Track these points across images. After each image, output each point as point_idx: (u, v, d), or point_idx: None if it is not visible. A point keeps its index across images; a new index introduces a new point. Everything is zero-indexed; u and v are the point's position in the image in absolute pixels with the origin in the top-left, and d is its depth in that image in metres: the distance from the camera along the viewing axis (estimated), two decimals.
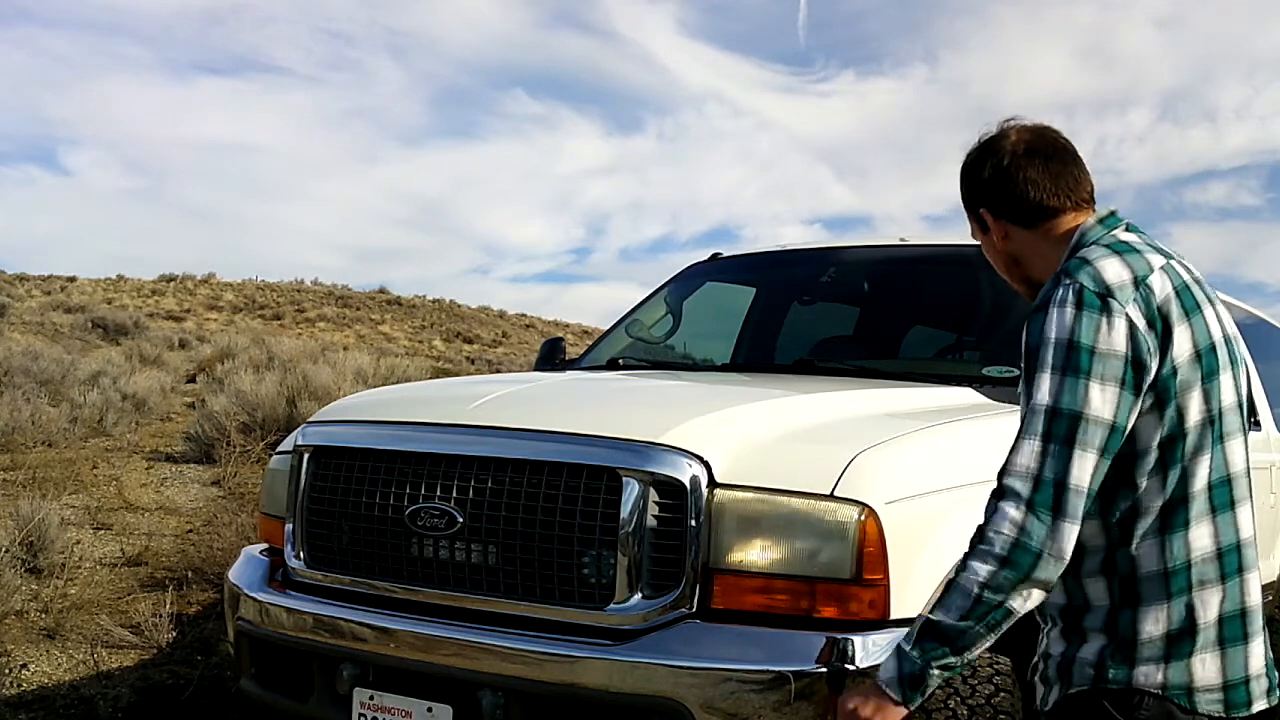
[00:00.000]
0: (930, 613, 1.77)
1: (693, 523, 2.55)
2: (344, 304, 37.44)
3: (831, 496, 2.51)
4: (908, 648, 1.78)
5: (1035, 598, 1.73)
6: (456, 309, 40.81)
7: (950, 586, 1.74)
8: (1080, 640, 1.84)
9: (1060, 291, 1.77)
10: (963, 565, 1.74)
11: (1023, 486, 1.71)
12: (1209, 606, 1.79)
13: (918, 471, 2.65)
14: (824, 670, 2.41)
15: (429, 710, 2.75)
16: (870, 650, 2.46)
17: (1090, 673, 1.82)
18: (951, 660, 1.75)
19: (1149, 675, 1.78)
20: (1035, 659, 1.97)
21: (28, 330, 21.53)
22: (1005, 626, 1.74)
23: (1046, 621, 1.93)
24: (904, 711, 1.79)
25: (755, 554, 2.55)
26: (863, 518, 2.48)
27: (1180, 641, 1.79)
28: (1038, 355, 1.75)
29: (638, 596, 2.57)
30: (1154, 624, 1.78)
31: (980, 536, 1.73)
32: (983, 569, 1.71)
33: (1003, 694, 2.53)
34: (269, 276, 41.67)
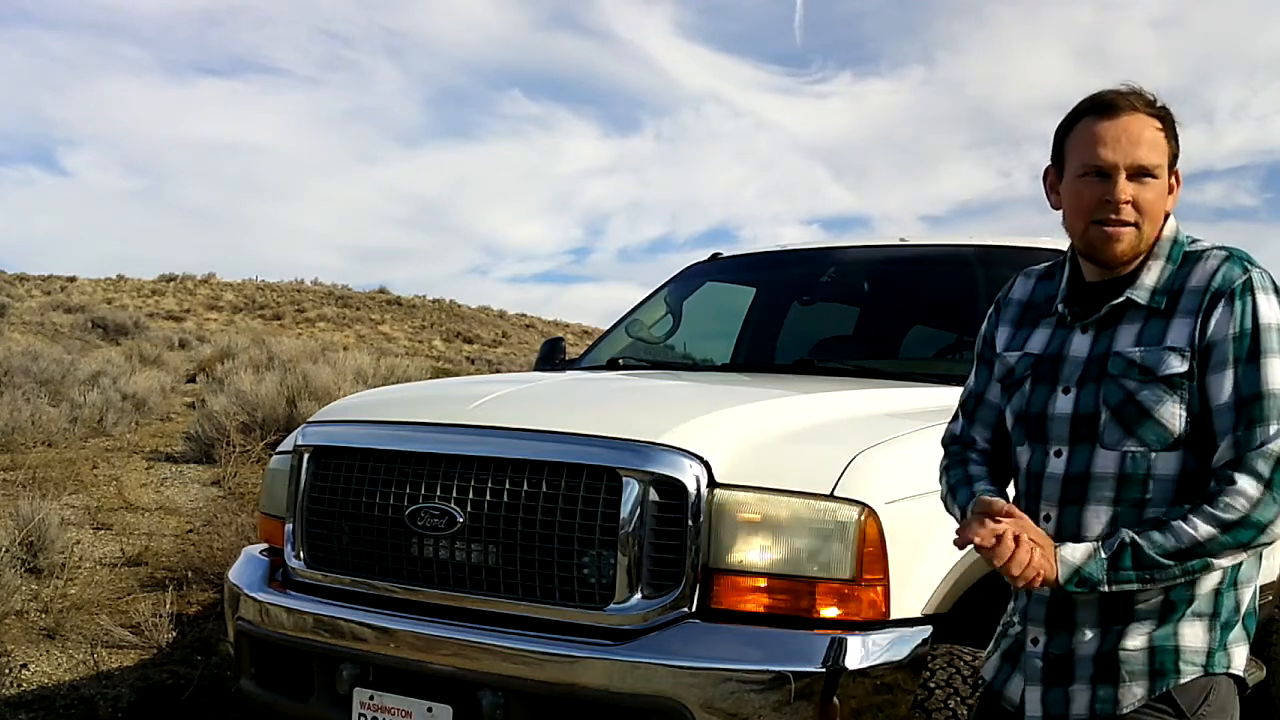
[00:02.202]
0: (1135, 539, 1.77)
1: (692, 523, 2.55)
2: (344, 304, 37.44)
3: (831, 496, 2.51)
4: (1104, 554, 1.78)
5: (1239, 559, 1.81)
6: (456, 309, 40.81)
7: (1164, 527, 1.77)
8: (1172, 628, 1.86)
9: (1258, 277, 1.83)
10: (1185, 517, 1.77)
11: (1265, 467, 1.76)
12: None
13: (918, 471, 2.64)
14: (825, 670, 2.41)
15: (429, 710, 2.75)
16: (870, 650, 2.46)
17: (1202, 661, 1.85)
18: (1134, 587, 1.79)
19: (1237, 659, 1.89)
20: (1087, 663, 1.89)
21: (28, 330, 21.53)
22: (1197, 575, 1.81)
23: (1108, 614, 1.88)
24: (1054, 579, 1.78)
25: (755, 554, 2.55)
26: (862, 518, 2.49)
27: (1246, 626, 1.92)
28: (1260, 339, 1.79)
29: (638, 596, 2.57)
30: (1241, 610, 1.90)
31: (1212, 499, 1.77)
32: (1204, 529, 1.75)
33: None
34: (269, 276, 41.72)
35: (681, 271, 4.87)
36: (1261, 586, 4.81)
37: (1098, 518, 1.86)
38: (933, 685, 2.55)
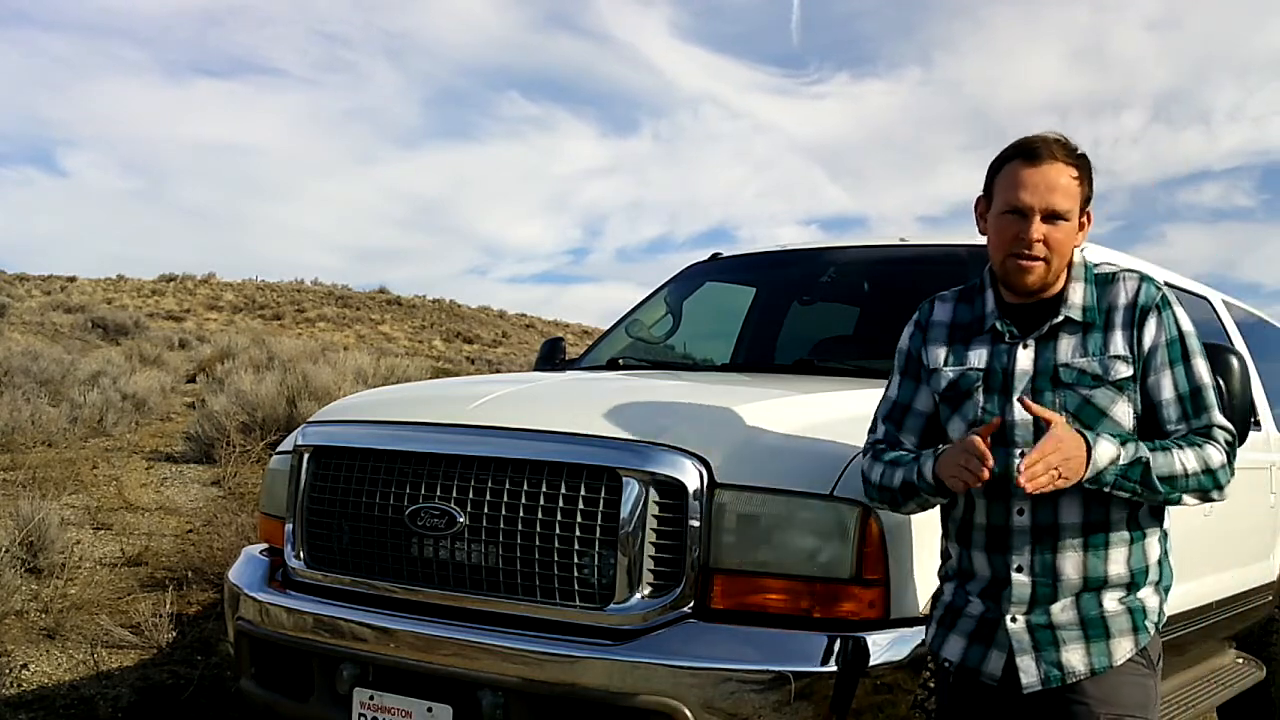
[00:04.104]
0: (1150, 458, 2.04)
1: (693, 523, 2.55)
2: (344, 304, 37.44)
3: (831, 496, 2.51)
4: (1123, 462, 2.03)
5: (1189, 501, 2.12)
6: (456, 309, 40.81)
7: (1167, 452, 2.07)
8: (1136, 593, 2.17)
9: (1169, 294, 2.19)
10: (1180, 448, 2.08)
11: (1223, 440, 2.13)
12: None
13: None
14: (825, 670, 2.41)
15: (429, 710, 2.75)
16: (870, 650, 2.46)
17: (1155, 619, 2.18)
18: (1123, 495, 2.07)
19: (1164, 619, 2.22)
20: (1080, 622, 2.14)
21: (28, 330, 21.53)
22: (1162, 501, 2.12)
23: (1091, 580, 2.14)
24: (1080, 475, 2.00)
25: (755, 554, 2.55)
26: (863, 518, 2.49)
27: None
28: (1187, 344, 2.16)
29: (638, 596, 2.57)
30: (1170, 580, 2.25)
31: (1199, 445, 2.10)
32: (1192, 464, 2.07)
33: None
34: (269, 276, 41.71)
35: (681, 271, 4.87)
36: (1261, 587, 4.82)
37: (1071, 508, 2.12)
38: (933, 685, 2.54)
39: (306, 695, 3.06)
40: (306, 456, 3.13)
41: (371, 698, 2.83)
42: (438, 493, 2.79)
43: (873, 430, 2.37)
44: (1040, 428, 2.04)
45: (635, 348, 4.44)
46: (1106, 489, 2.04)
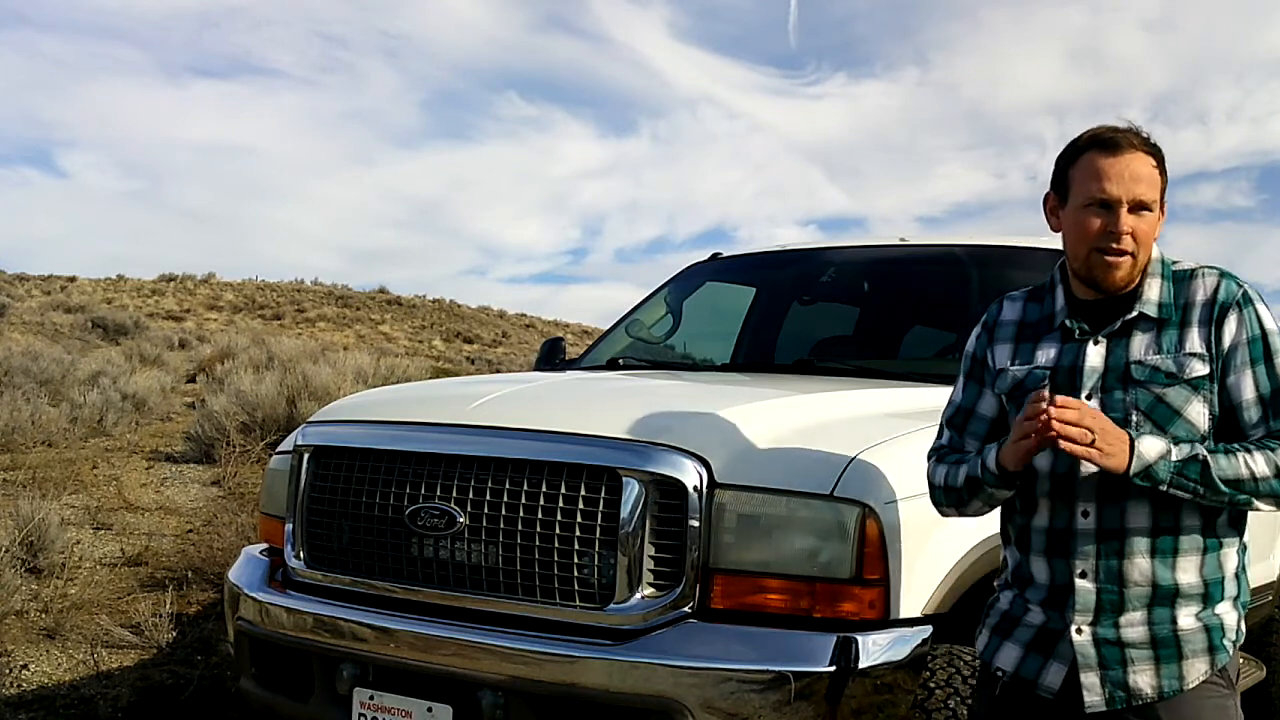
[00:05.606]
0: (1208, 457, 1.95)
1: (693, 523, 2.55)
2: (344, 304, 37.44)
3: (831, 497, 2.51)
4: (1175, 459, 1.94)
5: (1263, 507, 2.01)
6: (456, 309, 40.81)
7: (1230, 453, 1.97)
8: (1213, 608, 2.05)
9: (1251, 290, 2.08)
10: (1248, 452, 1.97)
11: None
12: None
13: (918, 472, 2.64)
14: (825, 670, 2.41)
15: (429, 710, 2.75)
16: (870, 650, 2.46)
17: (1234, 637, 2.06)
18: (1184, 495, 1.96)
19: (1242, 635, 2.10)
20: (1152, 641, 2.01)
21: (28, 330, 21.53)
22: (1229, 504, 2.00)
23: (1165, 596, 2.02)
24: (1124, 462, 1.92)
25: (755, 554, 2.55)
26: (863, 518, 2.49)
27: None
28: (1269, 343, 2.04)
29: (638, 596, 2.57)
30: (1246, 594, 2.13)
31: (1272, 450, 1.98)
32: (1262, 468, 1.97)
33: None
34: (269, 276, 41.71)
35: (681, 271, 4.88)
36: (1261, 587, 4.82)
37: (1139, 511, 2.00)
38: (933, 685, 2.55)
39: (306, 695, 3.06)
40: (306, 456, 3.13)
41: (371, 698, 2.83)
42: (438, 493, 2.79)
43: (938, 436, 2.30)
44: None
45: (635, 348, 4.44)
46: (1164, 487, 1.94)
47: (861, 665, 2.45)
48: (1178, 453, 1.94)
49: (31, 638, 4.99)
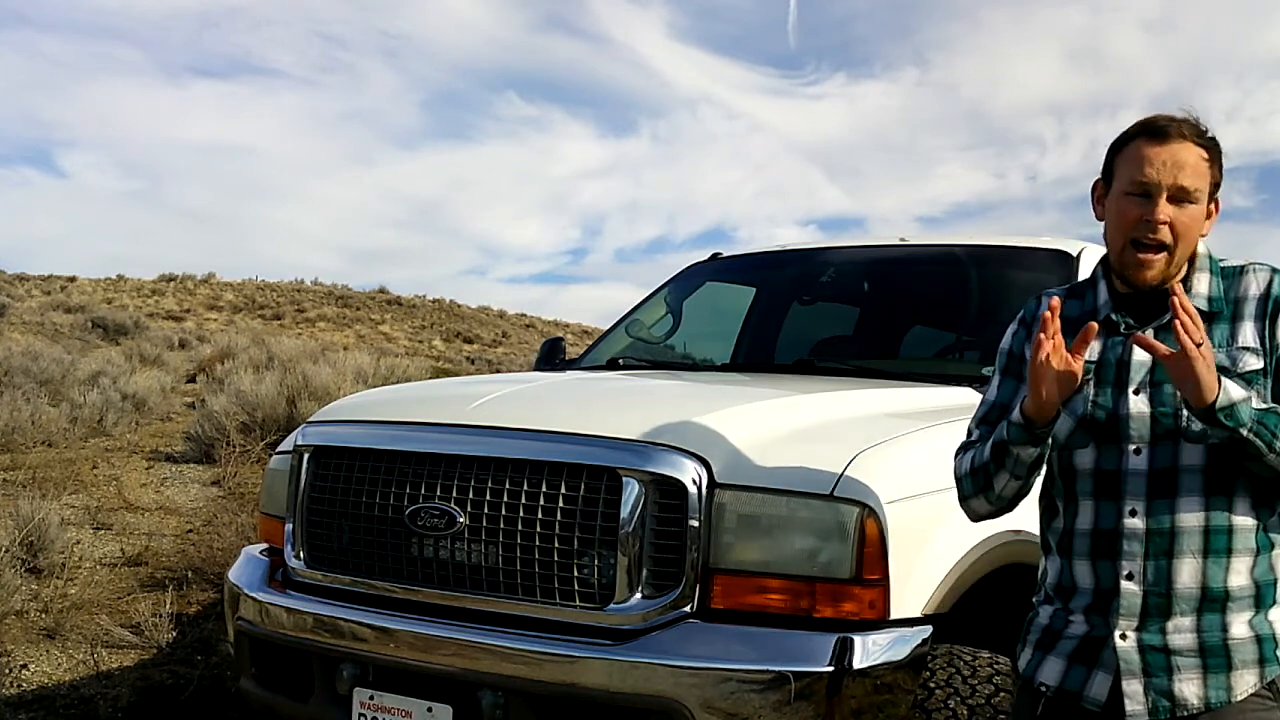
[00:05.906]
0: None
1: (693, 523, 2.55)
2: (344, 304, 37.44)
3: (831, 497, 2.51)
4: (1257, 405, 1.86)
5: None
6: (456, 309, 40.80)
7: None
8: (1265, 614, 1.95)
9: None
10: None
11: None
12: None
13: (918, 472, 2.65)
14: (825, 670, 2.41)
15: (429, 710, 2.75)
16: (870, 650, 2.46)
17: None
18: (1260, 445, 1.85)
19: None
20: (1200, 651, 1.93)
21: (28, 330, 21.53)
22: None
23: (1216, 603, 1.94)
24: (1215, 389, 1.82)
25: (755, 554, 2.55)
26: (862, 518, 2.49)
27: None
28: None
29: (638, 596, 2.57)
30: None
31: None
32: None
33: (1003, 694, 2.53)
34: (269, 276, 41.71)
35: (681, 271, 4.88)
36: None
37: (1190, 509, 1.93)
38: (933, 685, 2.55)
39: (306, 695, 3.06)
40: (306, 456, 3.13)
41: (371, 698, 2.84)
42: (438, 493, 2.79)
43: (967, 435, 2.21)
44: (1158, 423, 1.94)
45: (635, 348, 4.44)
46: (1244, 430, 1.82)
47: (861, 665, 2.44)
48: (1258, 401, 1.86)
49: (31, 638, 4.99)
